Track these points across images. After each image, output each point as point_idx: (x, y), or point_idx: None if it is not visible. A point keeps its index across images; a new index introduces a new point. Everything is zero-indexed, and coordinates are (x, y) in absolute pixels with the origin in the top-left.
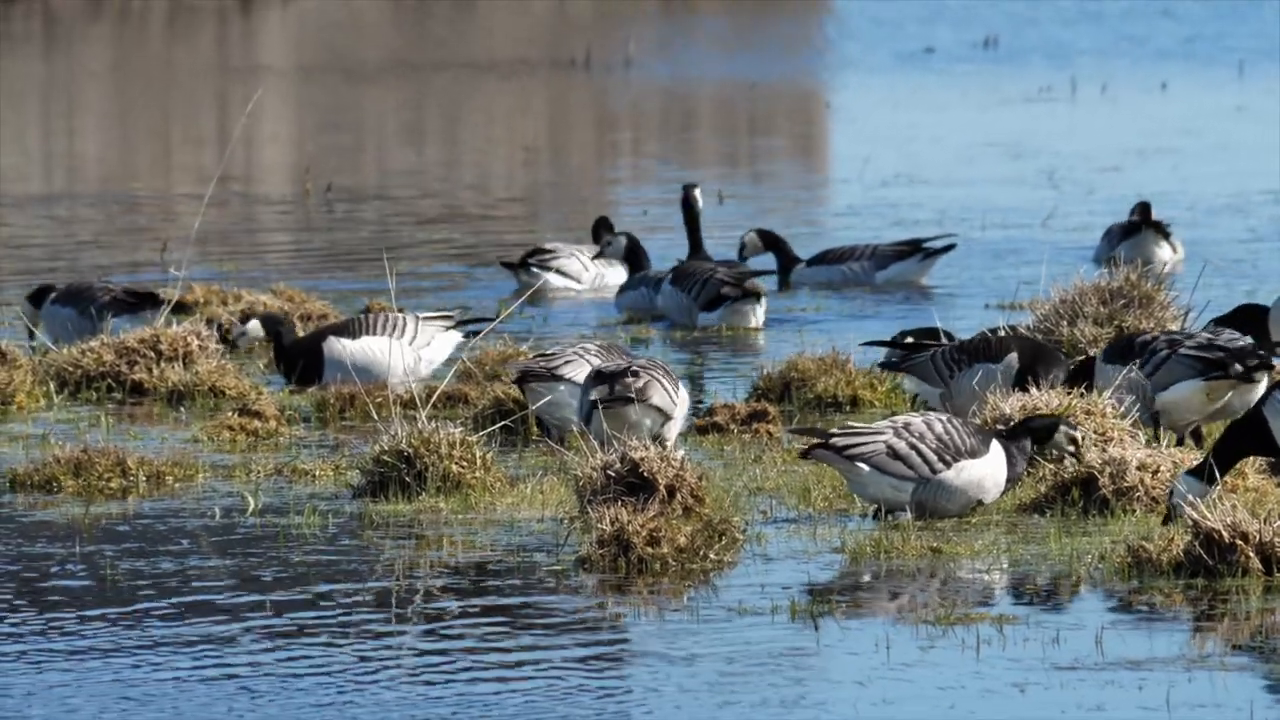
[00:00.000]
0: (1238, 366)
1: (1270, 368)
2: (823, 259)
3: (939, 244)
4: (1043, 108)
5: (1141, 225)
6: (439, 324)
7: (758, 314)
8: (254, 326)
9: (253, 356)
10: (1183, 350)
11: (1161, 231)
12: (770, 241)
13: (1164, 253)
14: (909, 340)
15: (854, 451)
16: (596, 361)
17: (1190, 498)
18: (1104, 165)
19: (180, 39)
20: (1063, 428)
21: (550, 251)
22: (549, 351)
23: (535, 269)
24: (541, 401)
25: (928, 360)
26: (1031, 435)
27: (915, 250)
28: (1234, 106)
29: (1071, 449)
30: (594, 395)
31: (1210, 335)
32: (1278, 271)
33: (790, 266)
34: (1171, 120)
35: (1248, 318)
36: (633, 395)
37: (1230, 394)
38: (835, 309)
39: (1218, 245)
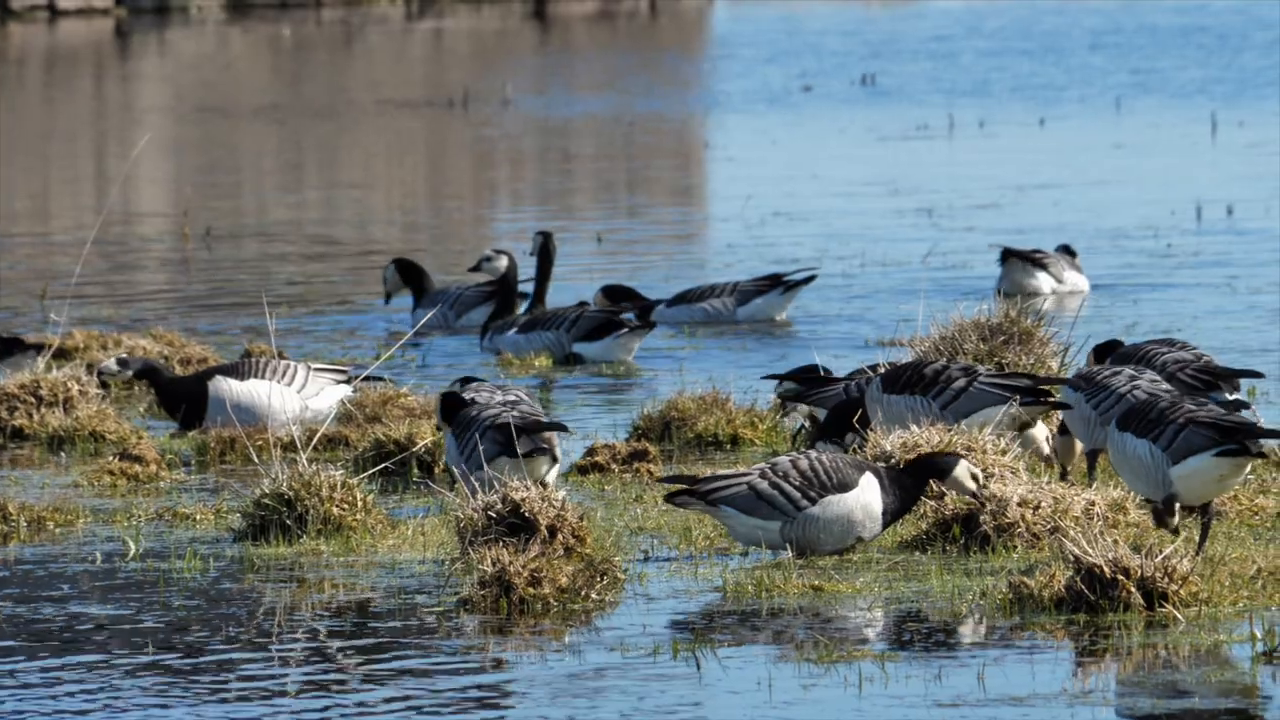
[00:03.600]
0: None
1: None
2: (683, 299)
3: (799, 276)
4: (921, 144)
5: (1006, 256)
6: (331, 376)
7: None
8: (125, 367)
9: (133, 401)
10: (985, 380)
11: (1029, 260)
12: (618, 296)
13: (1038, 281)
14: (817, 373)
15: (717, 496)
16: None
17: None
18: (983, 201)
19: (58, 84)
20: (963, 464)
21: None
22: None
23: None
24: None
25: (840, 392)
26: (929, 473)
27: (776, 284)
28: (1112, 143)
29: (972, 486)
30: (521, 448)
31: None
32: (1156, 309)
33: (647, 311)
34: (1050, 156)
35: (1102, 354)
36: (548, 449)
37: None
38: (712, 347)
39: (1096, 279)
